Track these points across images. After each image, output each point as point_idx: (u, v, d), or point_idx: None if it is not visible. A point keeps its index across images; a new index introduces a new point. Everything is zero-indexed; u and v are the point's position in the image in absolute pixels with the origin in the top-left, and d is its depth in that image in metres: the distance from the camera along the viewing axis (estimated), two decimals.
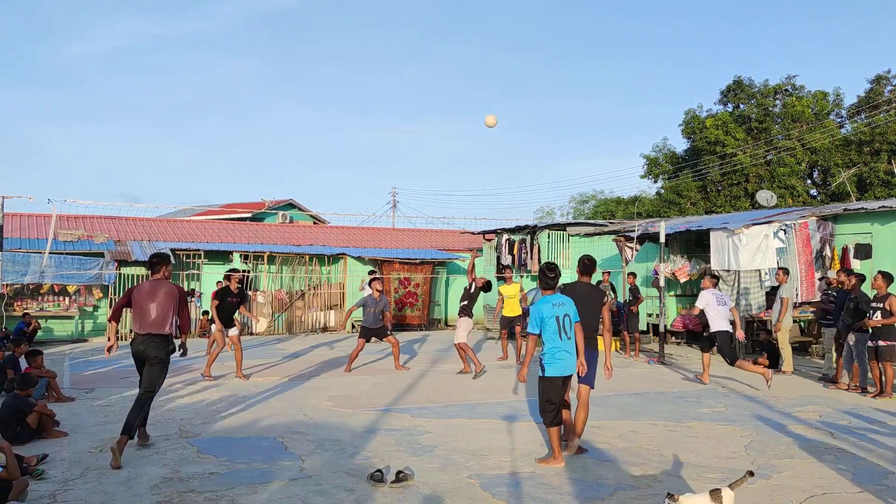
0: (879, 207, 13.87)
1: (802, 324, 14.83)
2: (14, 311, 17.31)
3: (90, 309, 18.73)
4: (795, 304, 13.22)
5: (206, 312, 16.70)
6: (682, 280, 16.11)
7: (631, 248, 16.55)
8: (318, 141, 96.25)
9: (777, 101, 31.72)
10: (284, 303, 20.60)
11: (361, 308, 12.17)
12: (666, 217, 25.87)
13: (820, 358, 13.20)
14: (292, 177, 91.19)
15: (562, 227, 20.82)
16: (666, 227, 15.19)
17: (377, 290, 12.11)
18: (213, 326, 11.46)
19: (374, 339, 12.34)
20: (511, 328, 13.65)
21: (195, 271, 19.57)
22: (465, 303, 11.97)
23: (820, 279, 14.00)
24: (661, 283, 14.61)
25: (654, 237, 15.78)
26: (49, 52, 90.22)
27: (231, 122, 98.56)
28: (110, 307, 18.49)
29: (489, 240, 22.24)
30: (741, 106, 32.41)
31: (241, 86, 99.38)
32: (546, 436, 6.54)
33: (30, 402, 7.14)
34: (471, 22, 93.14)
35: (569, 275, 19.40)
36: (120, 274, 18.46)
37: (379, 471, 5.62)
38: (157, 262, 7.16)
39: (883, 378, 9.51)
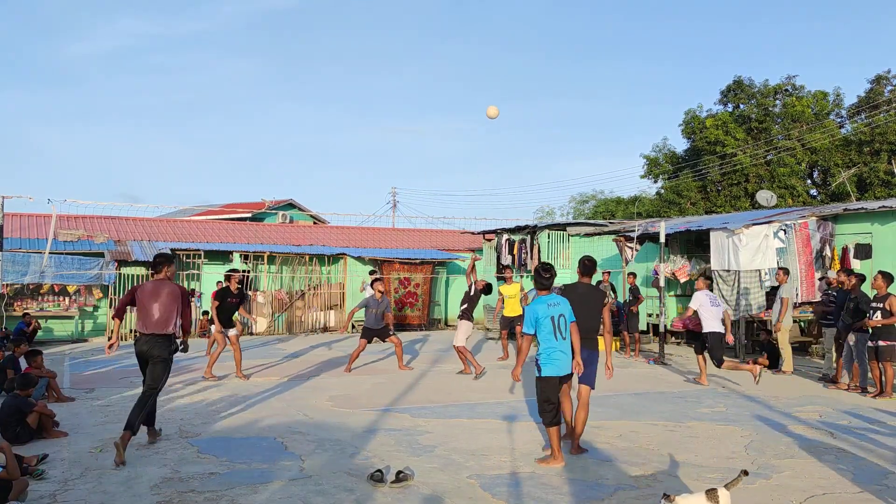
0: (879, 207, 13.87)
1: (802, 324, 14.84)
2: (14, 311, 17.32)
3: (90, 309, 18.74)
4: (795, 304, 13.22)
5: (205, 312, 16.70)
6: (682, 280, 16.12)
7: (631, 248, 16.56)
8: (318, 141, 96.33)
9: (777, 101, 31.72)
10: (284, 303, 20.60)
11: (363, 309, 12.18)
12: (666, 217, 25.87)
13: (820, 358, 13.20)
14: (292, 177, 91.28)
15: (562, 227, 20.82)
16: (666, 227, 15.20)
17: (379, 291, 12.11)
18: (213, 327, 11.46)
19: (375, 339, 12.34)
20: (511, 328, 13.65)
21: (195, 271, 19.57)
22: (465, 306, 11.97)
23: (820, 279, 14.01)
24: (661, 283, 14.62)
25: (654, 237, 15.78)
26: (49, 52, 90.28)
27: (231, 122, 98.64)
28: (110, 307, 18.51)
29: (489, 240, 22.24)
30: (741, 106, 32.41)
31: (241, 86, 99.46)
32: (546, 436, 6.53)
33: (30, 402, 7.14)
34: (471, 22, 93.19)
35: (569, 275, 19.43)
36: (120, 274, 18.46)
37: (379, 471, 5.62)
38: (159, 262, 7.18)
39: (883, 378, 9.51)
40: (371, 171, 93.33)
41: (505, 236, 20.74)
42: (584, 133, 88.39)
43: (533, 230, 20.23)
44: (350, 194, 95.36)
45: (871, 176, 27.80)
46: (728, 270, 14.29)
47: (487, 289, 12.10)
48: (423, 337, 19.16)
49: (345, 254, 21.64)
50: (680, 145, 34.99)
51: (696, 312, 10.71)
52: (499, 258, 20.80)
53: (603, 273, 14.56)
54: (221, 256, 20.33)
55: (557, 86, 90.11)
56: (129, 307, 7.07)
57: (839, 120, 31.21)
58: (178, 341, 7.11)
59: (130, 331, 17.87)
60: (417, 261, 22.17)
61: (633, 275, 15.36)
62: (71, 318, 18.45)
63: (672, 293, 17.03)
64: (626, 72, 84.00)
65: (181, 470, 5.92)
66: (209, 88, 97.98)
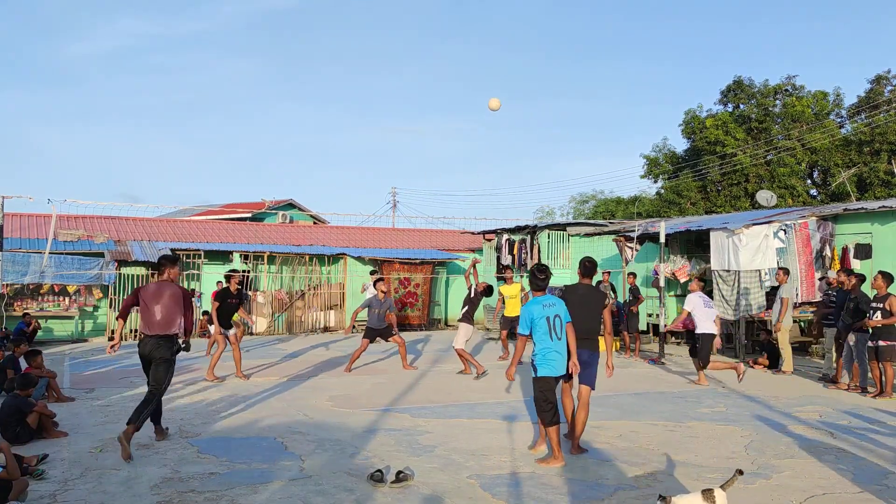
0: (879, 207, 13.87)
1: (802, 324, 14.84)
2: (14, 311, 17.32)
3: (90, 309, 18.73)
4: (795, 304, 13.23)
5: (205, 312, 16.71)
6: (682, 280, 16.11)
7: (631, 248, 16.56)
8: (318, 141, 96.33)
9: (777, 101, 31.72)
10: (284, 303, 20.60)
11: (366, 309, 12.17)
12: (666, 217, 25.87)
13: (820, 358, 13.20)
14: (292, 177, 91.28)
15: (562, 227, 20.83)
16: (666, 227, 15.20)
17: (382, 291, 12.11)
18: (213, 327, 11.46)
19: (378, 339, 12.32)
20: (512, 328, 13.63)
21: (195, 271, 19.57)
22: (466, 308, 11.98)
23: (820, 279, 14.01)
24: (661, 283, 14.62)
25: (654, 237, 15.78)
26: (49, 52, 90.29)
27: (231, 122, 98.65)
28: (110, 307, 18.51)
29: (489, 240, 22.25)
30: (741, 106, 32.41)
31: (241, 86, 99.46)
32: (542, 431, 6.53)
33: (30, 402, 7.14)
34: (471, 22, 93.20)
35: (569, 275, 19.43)
36: (120, 274, 18.46)
37: (379, 471, 5.62)
38: (162, 263, 7.26)
39: (883, 378, 9.51)
40: (371, 171, 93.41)
41: (505, 236, 20.74)
42: (584, 133, 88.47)
43: (533, 230, 20.24)
44: (350, 194, 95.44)
45: (871, 176, 27.80)
46: (728, 270, 14.29)
47: (488, 291, 12.12)
48: (424, 337, 19.15)
49: (345, 254, 21.65)
50: (680, 145, 35.06)
51: (689, 314, 10.79)
52: (499, 258, 20.80)
53: (603, 273, 14.56)
54: (221, 256, 20.33)
55: (557, 86, 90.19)
56: (132, 308, 7.11)
57: (839, 120, 31.21)
58: (181, 341, 7.14)
59: (131, 331, 17.88)
60: (417, 261, 22.18)
61: (633, 275, 15.36)
62: (71, 318, 18.44)
63: (672, 293, 17.03)
64: (626, 72, 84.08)
65: (181, 470, 5.92)
66: (209, 88, 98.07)
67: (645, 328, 16.94)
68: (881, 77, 29.94)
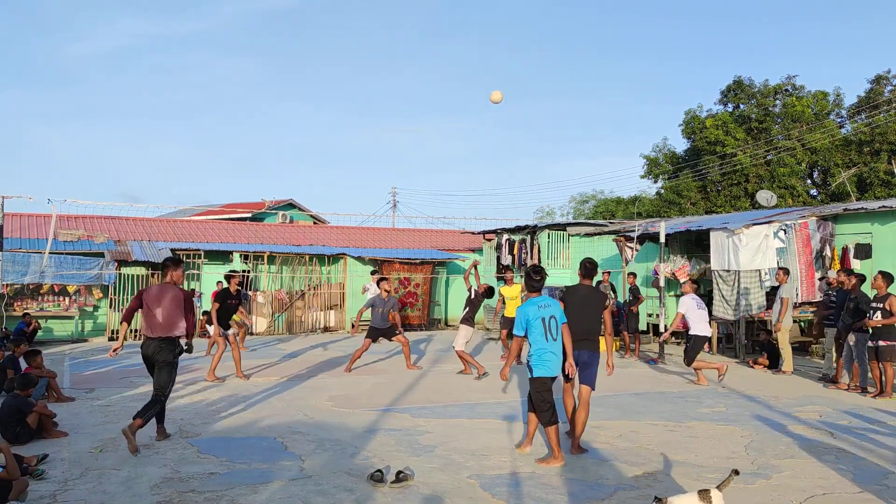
0: (879, 207, 13.88)
1: (802, 324, 14.84)
2: (14, 311, 17.31)
3: (90, 309, 18.73)
4: (795, 304, 13.23)
5: (205, 313, 16.72)
6: (682, 280, 16.10)
7: (631, 248, 16.56)
8: (318, 141, 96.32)
9: (777, 101, 31.71)
10: (284, 303, 20.60)
11: (370, 308, 12.15)
12: (666, 217, 25.88)
13: (820, 358, 13.20)
14: (292, 177, 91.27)
15: (562, 227, 20.84)
16: (666, 227, 15.21)
17: (385, 291, 12.11)
18: (211, 328, 11.46)
19: (381, 339, 12.30)
20: (512, 328, 13.64)
21: (195, 271, 19.56)
22: (467, 310, 11.98)
23: (820, 279, 14.01)
24: (661, 283, 14.63)
25: (654, 237, 15.79)
26: (49, 52, 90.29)
27: (231, 121, 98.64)
28: (110, 307, 18.51)
29: (489, 240, 22.26)
30: (741, 106, 32.41)
31: (241, 85, 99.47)
32: (542, 433, 6.54)
33: (30, 402, 7.14)
34: (471, 22, 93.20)
35: (569, 275, 19.44)
36: (120, 274, 18.46)
37: (379, 471, 5.62)
38: (165, 265, 7.35)
39: (883, 378, 9.51)
40: (371, 171, 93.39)
41: (505, 236, 20.74)
42: (584, 133, 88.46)
43: (533, 230, 20.24)
44: (350, 194, 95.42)
45: (871, 176, 27.79)
46: (728, 270, 14.30)
47: (489, 292, 12.13)
48: (427, 337, 19.15)
49: (345, 254, 21.65)
50: (680, 145, 35.05)
51: (683, 316, 10.91)
52: (499, 258, 20.81)
53: (603, 273, 14.56)
54: (221, 256, 20.33)
55: (557, 86, 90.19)
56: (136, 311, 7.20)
57: (839, 120, 31.20)
58: (183, 343, 7.19)
59: (132, 331, 17.87)
60: (417, 261, 22.17)
61: (633, 275, 15.36)
62: (71, 318, 18.44)
63: (672, 293, 17.02)
64: (626, 72, 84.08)
65: (181, 470, 5.92)
66: (209, 88, 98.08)
67: (645, 328, 16.94)
68: (881, 77, 29.94)
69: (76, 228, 20.75)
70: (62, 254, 17.91)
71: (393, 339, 12.23)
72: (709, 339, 10.90)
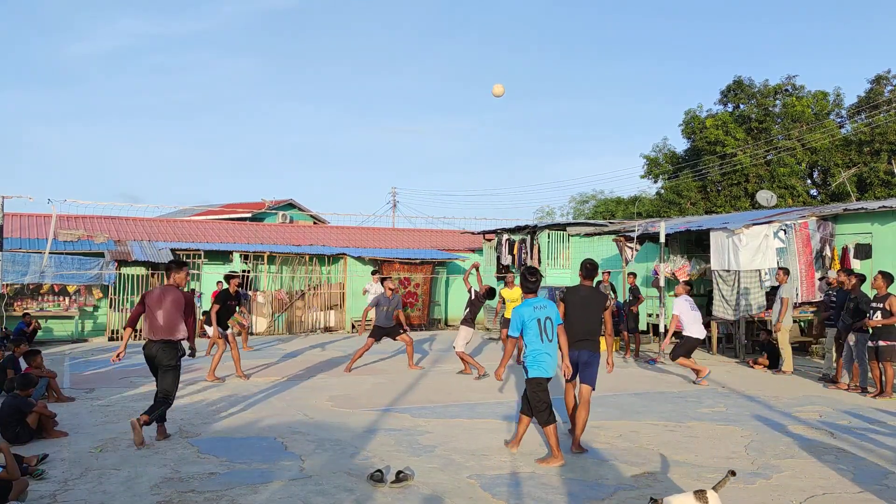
0: (879, 207, 13.88)
1: (802, 324, 14.84)
2: (14, 311, 17.31)
3: (90, 309, 18.73)
4: (795, 304, 13.23)
5: (205, 313, 16.73)
6: (682, 280, 16.12)
7: (631, 248, 16.56)
8: (318, 141, 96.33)
9: (777, 101, 31.71)
10: (284, 303, 20.60)
11: (374, 308, 12.13)
12: (666, 217, 25.88)
13: (820, 358, 13.20)
14: (292, 177, 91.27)
15: (562, 227, 20.84)
16: (666, 227, 15.21)
17: (389, 289, 12.11)
18: (210, 329, 11.47)
19: (385, 338, 12.26)
20: None
21: (195, 271, 19.55)
22: (468, 311, 11.98)
23: (820, 279, 14.01)
24: (661, 283, 14.63)
25: (654, 237, 15.79)
26: (49, 52, 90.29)
27: (231, 121, 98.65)
28: (110, 307, 18.51)
29: (489, 240, 22.26)
30: (741, 106, 32.41)
31: (241, 86, 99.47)
32: (542, 435, 6.54)
33: (30, 402, 7.14)
34: (471, 21, 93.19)
35: (569, 275, 19.44)
36: (120, 274, 18.46)
37: (379, 471, 5.62)
38: (169, 267, 7.42)
39: (883, 378, 9.51)
40: (371, 171, 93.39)
41: (505, 236, 20.75)
42: (584, 133, 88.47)
43: (533, 230, 20.24)
44: (350, 194, 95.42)
45: (871, 176, 27.79)
46: (728, 270, 14.30)
47: (490, 293, 12.12)
48: (430, 336, 19.13)
49: (345, 254, 21.64)
50: (680, 145, 35.06)
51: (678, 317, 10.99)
52: (499, 258, 20.81)
53: (603, 273, 14.56)
54: (221, 256, 20.33)
55: (557, 86, 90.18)
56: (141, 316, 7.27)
57: (839, 120, 31.20)
58: (186, 346, 7.23)
59: (135, 331, 17.85)
60: (417, 261, 22.17)
61: (633, 275, 15.36)
62: (71, 318, 18.44)
63: (672, 293, 17.02)
64: (626, 72, 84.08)
65: (181, 470, 5.92)
66: (209, 88, 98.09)
67: (645, 328, 16.94)
68: (881, 77, 29.94)
69: (76, 228, 20.75)
70: (62, 254, 17.91)
71: (398, 338, 12.19)
72: (701, 342, 10.91)
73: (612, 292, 14.62)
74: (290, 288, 20.87)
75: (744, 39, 69.59)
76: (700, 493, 4.20)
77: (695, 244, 16.90)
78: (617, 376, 10.75)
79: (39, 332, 16.46)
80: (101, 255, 18.56)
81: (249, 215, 30.56)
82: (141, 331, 7.17)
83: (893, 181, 27.01)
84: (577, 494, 5.35)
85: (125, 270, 18.65)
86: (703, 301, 16.73)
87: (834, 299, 11.05)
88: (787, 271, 12.29)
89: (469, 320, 11.89)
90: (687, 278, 15.97)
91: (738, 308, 14.04)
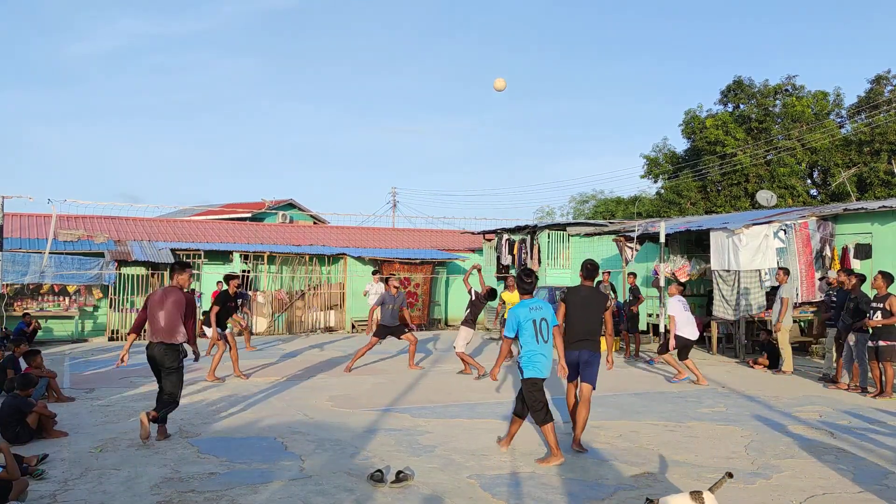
0: (879, 207, 13.88)
1: (802, 324, 14.84)
2: (14, 311, 17.31)
3: (90, 309, 18.73)
4: (795, 304, 13.23)
5: (205, 313, 16.73)
6: (682, 280, 16.12)
7: (631, 248, 16.56)
8: (318, 141, 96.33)
9: (777, 101, 31.71)
10: (284, 303, 20.60)
11: (379, 307, 12.10)
12: (666, 217, 25.88)
13: (820, 358, 13.20)
14: (292, 177, 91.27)
15: (562, 227, 20.85)
16: (666, 227, 15.21)
17: (394, 287, 12.10)
18: (209, 330, 11.48)
19: (389, 337, 12.24)
20: None
21: (195, 271, 19.55)
22: (469, 311, 11.97)
23: (820, 279, 14.01)
24: (661, 283, 14.62)
25: (654, 237, 15.79)
26: (49, 52, 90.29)
27: (231, 121, 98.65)
28: (110, 307, 18.51)
29: (489, 240, 22.26)
30: (741, 106, 32.41)
31: (241, 85, 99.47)
32: (541, 435, 6.54)
33: (30, 402, 7.14)
34: (471, 22, 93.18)
35: (569, 275, 19.45)
36: (120, 274, 18.46)
37: (379, 471, 5.62)
38: (172, 268, 7.48)
39: (883, 378, 9.51)
40: (371, 171, 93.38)
41: (505, 236, 20.75)
42: (584, 133, 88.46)
43: (533, 230, 20.25)
44: (350, 194, 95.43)
45: (871, 176, 27.79)
46: (728, 270, 14.29)
47: (491, 294, 12.12)
48: (433, 336, 19.12)
49: (345, 254, 21.65)
50: (680, 145, 35.06)
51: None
52: (499, 258, 20.82)
53: (603, 273, 14.56)
54: (221, 256, 20.33)
55: (557, 86, 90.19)
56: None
57: (839, 120, 31.20)
58: (190, 351, 7.27)
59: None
60: (417, 261, 22.18)
61: (633, 275, 15.36)
62: (71, 318, 18.44)
63: None
64: (626, 72, 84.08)
65: (181, 470, 5.92)
66: (209, 88, 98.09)
67: (645, 328, 16.94)
68: (881, 77, 29.94)
69: (76, 228, 20.75)
70: (62, 254, 17.91)
71: (402, 337, 12.16)
72: (693, 343, 10.93)
73: (612, 292, 14.62)
74: (290, 288, 20.88)
75: (744, 39, 69.65)
76: (696, 494, 4.20)
77: (695, 244, 16.90)
78: (617, 376, 10.75)
79: (39, 332, 16.46)
80: (101, 255, 18.56)
81: (249, 215, 30.56)
82: (145, 330, 7.15)
83: (893, 181, 27.01)
84: (577, 494, 5.35)
85: (125, 270, 18.65)
86: (704, 301, 16.75)
87: (834, 299, 11.05)
88: (787, 271, 12.29)
89: (470, 321, 11.90)
90: (687, 278, 15.98)
91: (739, 308, 14.04)
